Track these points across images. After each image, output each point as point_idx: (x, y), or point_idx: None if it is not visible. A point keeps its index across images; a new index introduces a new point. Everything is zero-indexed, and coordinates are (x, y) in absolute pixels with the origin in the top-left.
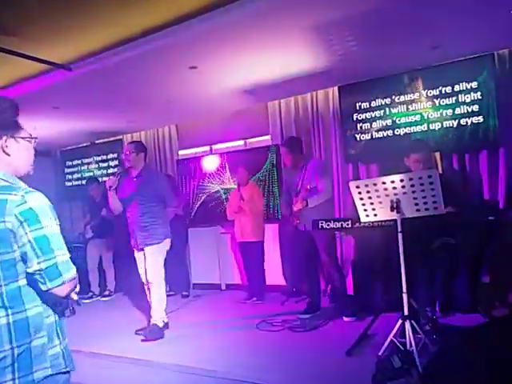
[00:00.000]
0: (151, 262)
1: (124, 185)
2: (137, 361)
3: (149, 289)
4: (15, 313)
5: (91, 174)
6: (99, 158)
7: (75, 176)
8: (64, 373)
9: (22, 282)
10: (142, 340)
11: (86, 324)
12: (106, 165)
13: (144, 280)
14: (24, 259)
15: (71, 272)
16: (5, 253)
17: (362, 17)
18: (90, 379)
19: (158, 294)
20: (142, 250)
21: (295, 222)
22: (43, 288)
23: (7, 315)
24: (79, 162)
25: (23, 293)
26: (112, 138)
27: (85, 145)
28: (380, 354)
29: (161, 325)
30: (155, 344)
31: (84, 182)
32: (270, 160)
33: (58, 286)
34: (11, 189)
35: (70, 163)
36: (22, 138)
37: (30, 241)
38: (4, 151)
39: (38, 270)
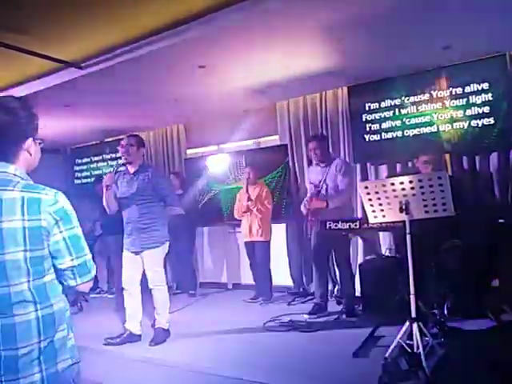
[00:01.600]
0: (152, 266)
1: (122, 183)
2: (142, 359)
3: (130, 295)
4: (44, 307)
5: (100, 172)
6: (108, 157)
7: (84, 174)
8: (77, 362)
9: (48, 277)
10: (150, 344)
11: (93, 321)
12: (115, 163)
13: (125, 285)
14: (54, 256)
15: (94, 269)
16: (36, 249)
17: (373, 17)
18: (94, 376)
19: (161, 298)
20: (138, 253)
21: (311, 221)
22: (72, 283)
23: (36, 310)
24: (89, 159)
25: (48, 288)
26: (121, 136)
27: (95, 143)
28: (387, 355)
29: (166, 327)
30: None
31: (93, 179)
32: (285, 160)
33: (86, 281)
34: (38, 187)
35: (80, 161)
36: (37, 139)
37: (64, 239)
38: (28, 151)
39: (71, 267)
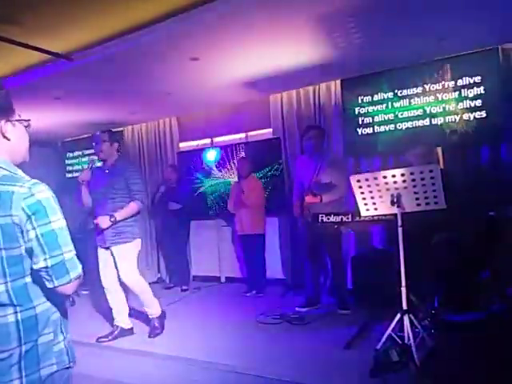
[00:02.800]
0: (123, 262)
1: (95, 177)
2: (135, 351)
3: (110, 293)
4: (24, 310)
5: (91, 165)
6: None
7: (76, 167)
8: (67, 368)
9: (29, 278)
10: (149, 337)
11: (85, 315)
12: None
13: (104, 283)
14: (29, 255)
15: (78, 269)
16: (11, 248)
17: (366, 8)
18: (87, 369)
19: (141, 290)
20: (108, 248)
21: (305, 215)
22: (49, 285)
23: (15, 312)
24: (80, 153)
25: (30, 289)
26: (113, 130)
27: (86, 136)
28: (378, 347)
29: (159, 313)
30: None
31: None
32: (278, 153)
33: (65, 283)
34: (15, 179)
35: (71, 154)
36: (18, 120)
37: (37, 236)
38: (4, 136)
39: (45, 268)
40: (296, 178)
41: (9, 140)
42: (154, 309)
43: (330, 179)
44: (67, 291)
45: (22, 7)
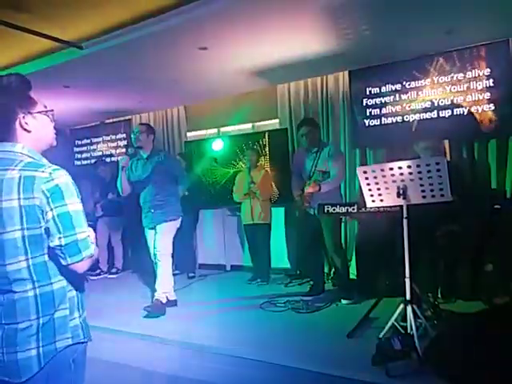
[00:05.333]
0: (160, 238)
1: (136, 167)
2: (140, 336)
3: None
4: (41, 286)
5: (100, 153)
6: (108, 138)
7: (84, 155)
8: (82, 343)
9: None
10: (145, 316)
11: (93, 300)
12: (114, 144)
13: (153, 258)
14: (47, 234)
15: (90, 249)
16: (33, 228)
17: (375, 0)
18: (93, 351)
19: (163, 270)
20: (154, 228)
21: (305, 205)
22: (63, 263)
23: (34, 288)
24: (88, 141)
25: (49, 267)
26: (121, 118)
27: (94, 124)
28: (380, 336)
29: (164, 301)
30: (160, 320)
31: (93, 161)
32: (285, 143)
33: (77, 262)
34: (38, 166)
35: (80, 142)
36: (39, 112)
37: (53, 216)
38: (24, 129)
39: (59, 246)
40: (295, 170)
41: (29, 132)
42: (162, 291)
43: (327, 169)
44: (79, 269)
45: None
